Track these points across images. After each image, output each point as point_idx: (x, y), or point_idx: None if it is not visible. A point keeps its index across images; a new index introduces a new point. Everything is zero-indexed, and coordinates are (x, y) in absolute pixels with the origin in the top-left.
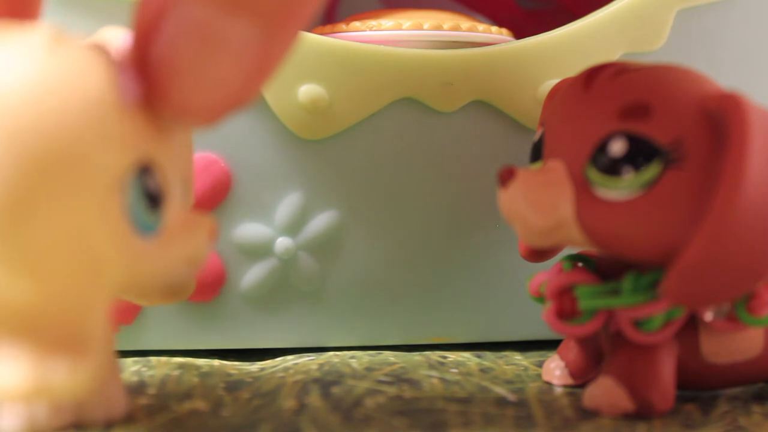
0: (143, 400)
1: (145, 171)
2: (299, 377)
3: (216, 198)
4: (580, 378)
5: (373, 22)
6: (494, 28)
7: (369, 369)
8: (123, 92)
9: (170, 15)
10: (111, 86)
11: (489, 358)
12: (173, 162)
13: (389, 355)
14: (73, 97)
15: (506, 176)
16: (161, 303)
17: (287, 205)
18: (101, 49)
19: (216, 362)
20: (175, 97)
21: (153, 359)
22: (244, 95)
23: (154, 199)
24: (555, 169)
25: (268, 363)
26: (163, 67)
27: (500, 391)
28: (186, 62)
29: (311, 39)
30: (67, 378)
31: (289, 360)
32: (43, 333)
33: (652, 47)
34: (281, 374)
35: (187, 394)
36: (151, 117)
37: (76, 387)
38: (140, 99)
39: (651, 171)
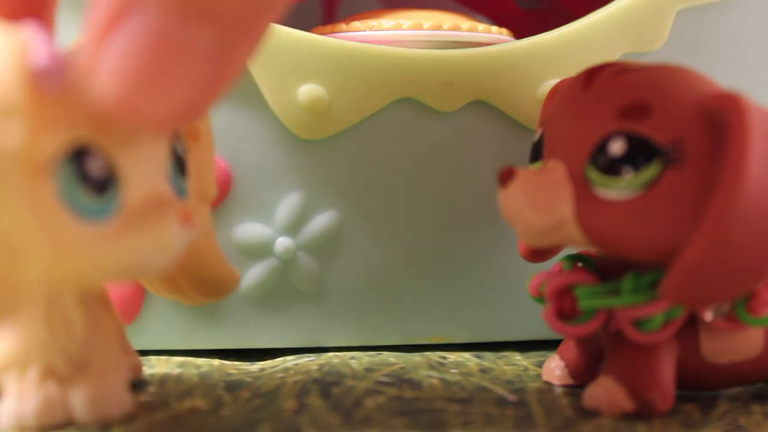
0: (143, 398)
1: (81, 154)
2: (299, 377)
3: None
4: (580, 378)
5: (373, 22)
6: (494, 28)
7: (369, 369)
8: (47, 76)
9: (129, 18)
10: (23, 71)
11: (489, 358)
12: (140, 142)
13: (389, 356)
14: None
15: (506, 176)
16: (203, 300)
17: (287, 205)
18: (20, 33)
19: (216, 362)
20: (125, 105)
21: (153, 359)
22: (200, 103)
23: (99, 183)
24: (555, 169)
25: (268, 363)
26: (115, 72)
27: (500, 391)
28: (140, 69)
29: (311, 39)
30: None
31: (289, 360)
32: None
33: (652, 47)
34: (281, 374)
35: (187, 393)
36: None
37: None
38: (74, 82)
39: (651, 171)
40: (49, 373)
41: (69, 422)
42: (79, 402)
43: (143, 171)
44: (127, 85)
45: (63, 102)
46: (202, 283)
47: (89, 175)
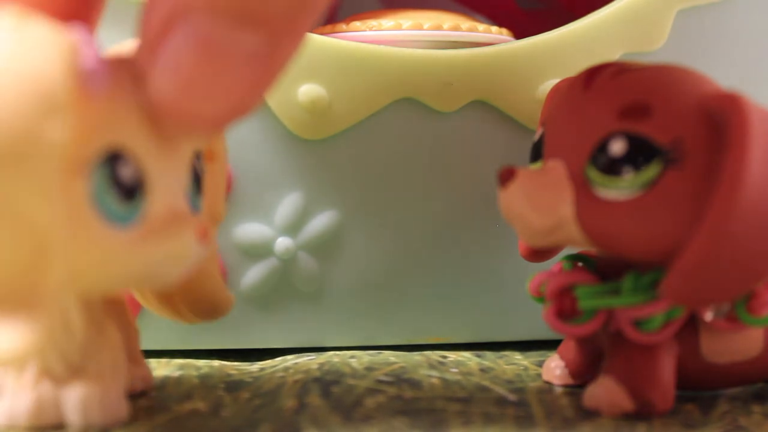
0: (143, 401)
1: (115, 159)
2: (299, 377)
3: None
4: (580, 378)
5: (373, 22)
6: (494, 28)
7: (369, 369)
8: (94, 79)
9: (177, 28)
10: (72, 72)
11: (489, 358)
12: (167, 154)
13: (389, 355)
14: (25, 79)
15: (506, 176)
16: (197, 321)
17: (287, 205)
18: (70, 36)
19: (216, 362)
20: (180, 108)
21: (153, 361)
22: (249, 103)
23: (128, 189)
24: (555, 169)
25: (268, 363)
26: (169, 78)
27: (500, 391)
28: (192, 74)
29: (311, 39)
30: (5, 346)
31: (289, 360)
32: None
33: (652, 47)
34: (281, 374)
35: (187, 395)
36: (133, 107)
37: (15, 356)
38: (115, 87)
39: (651, 171)
40: (44, 374)
41: (61, 424)
42: (71, 405)
43: (167, 183)
44: (181, 87)
45: (105, 106)
46: (199, 303)
47: (120, 180)
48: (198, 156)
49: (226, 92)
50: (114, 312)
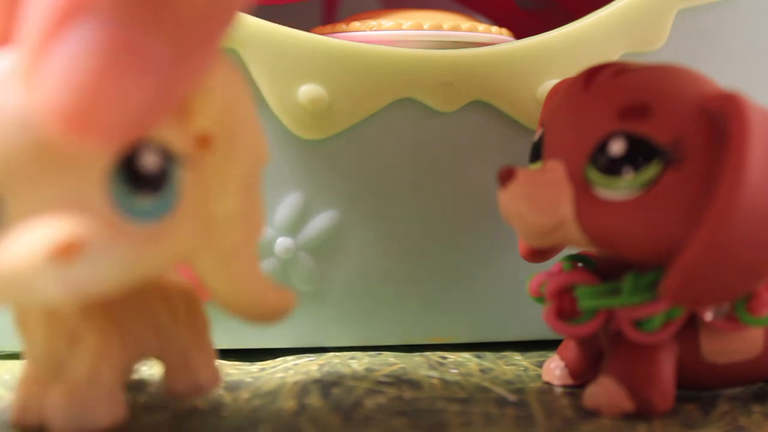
0: (143, 399)
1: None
2: (299, 378)
3: None
4: (580, 378)
5: (373, 22)
6: (494, 28)
7: (369, 369)
8: None
9: (75, 25)
10: None
11: (489, 358)
12: (44, 166)
13: (389, 356)
14: None
15: (506, 176)
16: (256, 322)
17: (287, 205)
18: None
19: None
20: (71, 118)
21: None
22: (152, 116)
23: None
24: (555, 169)
25: (268, 363)
26: (59, 84)
27: (500, 391)
28: (90, 78)
29: (311, 39)
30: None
31: (289, 360)
32: None
33: (652, 47)
34: (281, 374)
35: None
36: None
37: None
38: None
39: (651, 171)
40: (30, 377)
41: (44, 428)
42: (49, 410)
43: (40, 201)
44: (74, 98)
45: None
46: (243, 309)
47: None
48: (148, 147)
49: (126, 102)
50: (103, 314)
